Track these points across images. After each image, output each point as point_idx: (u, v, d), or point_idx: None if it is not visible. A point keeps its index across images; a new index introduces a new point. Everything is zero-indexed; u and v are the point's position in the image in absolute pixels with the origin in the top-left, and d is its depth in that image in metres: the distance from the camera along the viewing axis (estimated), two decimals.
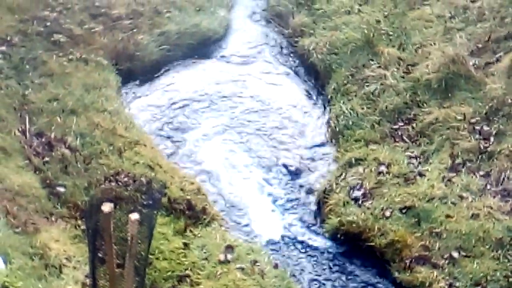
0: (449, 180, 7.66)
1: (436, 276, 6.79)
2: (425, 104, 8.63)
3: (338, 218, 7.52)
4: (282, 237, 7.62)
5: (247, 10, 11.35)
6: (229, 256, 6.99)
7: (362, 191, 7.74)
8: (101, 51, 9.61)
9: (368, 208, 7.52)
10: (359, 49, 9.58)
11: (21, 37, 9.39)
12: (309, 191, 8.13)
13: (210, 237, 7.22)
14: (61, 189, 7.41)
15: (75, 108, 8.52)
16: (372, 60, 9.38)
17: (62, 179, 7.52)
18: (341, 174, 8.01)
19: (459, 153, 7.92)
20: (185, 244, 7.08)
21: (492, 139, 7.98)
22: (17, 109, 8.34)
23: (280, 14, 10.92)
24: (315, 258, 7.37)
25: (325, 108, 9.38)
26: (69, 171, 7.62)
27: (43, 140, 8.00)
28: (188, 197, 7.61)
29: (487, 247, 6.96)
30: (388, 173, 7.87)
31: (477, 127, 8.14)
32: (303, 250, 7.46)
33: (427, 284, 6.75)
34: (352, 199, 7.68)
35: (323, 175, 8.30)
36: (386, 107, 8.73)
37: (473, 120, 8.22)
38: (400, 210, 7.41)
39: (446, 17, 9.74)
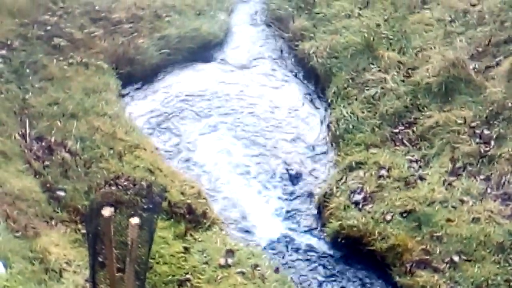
0: (450, 184, 7.65)
1: (437, 280, 6.79)
2: (425, 108, 8.63)
3: (339, 222, 7.51)
4: (283, 241, 7.61)
5: (247, 14, 11.35)
6: (230, 260, 6.98)
7: (362, 195, 7.73)
8: (101, 55, 9.61)
9: (369, 212, 7.51)
10: (359, 53, 9.58)
11: (21, 41, 9.40)
12: (310, 195, 8.13)
13: (210, 241, 7.21)
14: (61, 193, 7.41)
15: (75, 112, 8.52)
16: (373, 64, 9.38)
17: (62, 183, 7.52)
18: (342, 178, 8.01)
19: (460, 157, 7.92)
20: (186, 248, 7.08)
21: (492, 143, 7.98)
22: (17, 113, 8.34)
23: (280, 18, 10.92)
24: (315, 262, 7.37)
25: (325, 111, 9.38)
26: (69, 175, 7.62)
27: (43, 144, 8.00)
28: (189, 201, 7.60)
29: (488, 251, 6.95)
30: (388, 177, 7.87)
31: (478, 131, 8.14)
32: (303, 254, 7.45)
33: None
34: (353, 203, 7.68)
35: (324, 179, 8.30)
36: (387, 111, 8.73)
37: (473, 124, 8.22)
38: (401, 214, 7.41)
39: (446, 21, 9.74)
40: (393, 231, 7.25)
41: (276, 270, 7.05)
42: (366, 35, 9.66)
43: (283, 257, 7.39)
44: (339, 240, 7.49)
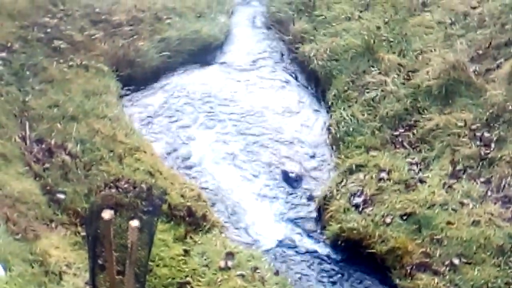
0: (450, 186, 7.65)
1: (437, 283, 6.78)
2: (425, 111, 8.62)
3: (339, 225, 7.51)
4: (283, 243, 7.60)
5: (247, 16, 11.36)
6: (230, 263, 6.98)
7: (362, 197, 7.73)
8: (101, 58, 9.62)
9: (369, 215, 7.51)
10: (359, 55, 9.58)
11: (21, 43, 9.40)
12: (310, 198, 8.12)
13: (210, 243, 7.21)
14: (61, 196, 7.40)
15: (75, 114, 8.52)
16: (373, 66, 9.38)
17: (62, 185, 7.52)
18: (342, 181, 8.00)
19: (460, 160, 7.92)
20: (186, 251, 7.07)
21: (492, 145, 7.98)
22: (17, 115, 8.34)
23: (281, 21, 10.92)
24: (315, 265, 7.36)
25: (325, 114, 9.37)
26: (69, 178, 7.62)
27: (43, 146, 8.00)
28: (189, 203, 7.60)
29: (488, 254, 6.95)
30: (388, 179, 7.86)
31: (478, 134, 8.14)
32: (303, 257, 7.45)
33: None
34: (353, 206, 7.67)
35: (324, 181, 8.29)
36: (387, 114, 8.73)
37: (473, 127, 8.22)
38: (401, 216, 7.40)
39: (447, 23, 9.74)
40: (393, 233, 7.25)
41: (276, 273, 7.05)
42: (366, 37, 9.67)
43: (283, 260, 7.39)
44: (339, 242, 7.48)
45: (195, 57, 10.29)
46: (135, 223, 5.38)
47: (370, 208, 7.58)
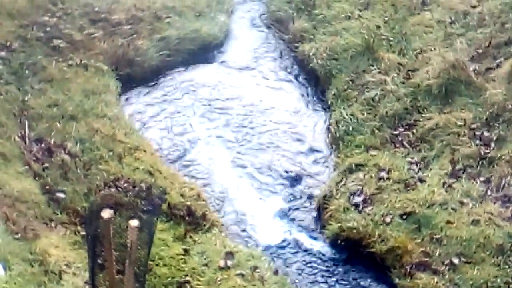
0: (450, 186, 7.65)
1: (437, 282, 6.78)
2: (425, 110, 8.62)
3: (338, 224, 7.51)
4: (282, 243, 7.60)
5: (247, 15, 11.35)
6: (229, 262, 6.98)
7: (362, 197, 7.73)
8: (101, 57, 9.61)
9: (369, 214, 7.51)
10: (359, 54, 9.58)
11: (21, 42, 9.39)
12: (309, 197, 8.12)
13: (210, 243, 7.21)
14: (61, 195, 7.40)
15: (75, 113, 8.52)
16: (372, 65, 9.37)
17: (61, 185, 7.51)
18: (341, 180, 8.00)
19: (460, 159, 7.91)
20: (185, 250, 7.07)
21: (492, 144, 7.98)
22: (16, 114, 8.34)
23: (280, 20, 10.91)
24: (315, 264, 7.36)
25: (325, 113, 9.37)
26: (69, 177, 7.61)
27: (43, 145, 7.99)
28: (188, 203, 7.60)
29: (487, 253, 6.95)
30: (388, 179, 7.86)
31: (478, 133, 8.14)
32: (303, 256, 7.45)
33: None
34: (353, 205, 7.67)
35: (323, 181, 8.29)
36: (387, 113, 8.73)
37: (473, 126, 8.21)
38: (401, 216, 7.40)
39: (447, 22, 9.74)
40: (392, 233, 7.25)
41: (276, 272, 7.05)
42: (366, 36, 9.66)
43: (282, 259, 7.38)
44: (339, 242, 7.48)
45: (195, 56, 10.28)
46: (134, 222, 5.38)
47: (370, 208, 7.58)
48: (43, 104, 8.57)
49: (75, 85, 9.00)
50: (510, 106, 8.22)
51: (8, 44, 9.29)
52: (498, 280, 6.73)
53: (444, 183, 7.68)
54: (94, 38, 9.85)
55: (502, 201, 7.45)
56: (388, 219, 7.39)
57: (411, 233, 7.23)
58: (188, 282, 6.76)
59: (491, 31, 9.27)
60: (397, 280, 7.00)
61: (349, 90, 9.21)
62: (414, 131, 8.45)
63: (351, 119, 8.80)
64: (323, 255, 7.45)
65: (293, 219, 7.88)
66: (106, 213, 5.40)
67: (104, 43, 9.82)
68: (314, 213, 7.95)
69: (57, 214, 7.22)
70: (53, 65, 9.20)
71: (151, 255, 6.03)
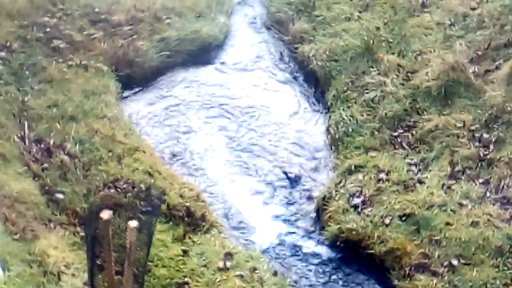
0: (449, 187, 7.65)
1: (436, 284, 6.78)
2: (425, 111, 8.62)
3: (338, 226, 7.51)
4: (282, 244, 7.60)
5: (247, 16, 11.35)
6: (228, 263, 6.98)
7: (361, 198, 7.73)
8: (101, 57, 9.61)
9: (368, 216, 7.51)
10: (359, 56, 9.58)
11: (20, 43, 9.40)
12: (309, 198, 8.12)
13: (209, 244, 7.21)
14: (60, 196, 7.40)
15: (74, 114, 8.52)
16: (372, 67, 9.38)
17: (61, 185, 7.51)
18: (341, 181, 8.00)
19: (459, 161, 7.92)
20: (184, 251, 7.07)
21: (491, 146, 7.98)
22: (16, 115, 8.34)
23: (280, 21, 10.92)
24: (314, 266, 7.36)
25: (325, 114, 9.37)
26: (68, 178, 7.61)
27: (42, 146, 7.99)
28: (187, 203, 7.60)
29: (486, 254, 6.95)
30: (387, 180, 7.86)
31: (477, 135, 8.14)
32: (302, 257, 7.45)
33: None
34: (352, 207, 7.67)
35: (323, 182, 8.29)
36: (386, 114, 8.73)
37: (472, 128, 8.22)
38: (400, 217, 7.40)
39: (446, 24, 9.74)
40: (392, 234, 7.25)
41: (275, 273, 7.05)
42: (365, 38, 9.67)
43: (281, 260, 7.39)
44: (338, 243, 7.48)
45: (195, 57, 10.28)
46: (134, 223, 5.38)
47: (369, 209, 7.58)
48: (42, 105, 8.57)
49: (75, 86, 9.00)
50: (509, 108, 8.23)
51: (8, 44, 9.30)
52: (497, 282, 6.73)
53: (443, 185, 7.68)
54: (94, 39, 9.85)
55: (501, 203, 7.46)
56: (387, 221, 7.39)
57: (410, 235, 7.23)
58: (187, 283, 6.76)
59: (491, 33, 9.27)
60: (396, 282, 7.00)
61: (349, 92, 9.22)
62: (414, 132, 8.46)
63: (350, 120, 8.81)
64: (322, 256, 7.45)
65: (292, 220, 7.88)
66: (105, 214, 5.41)
67: (104, 43, 9.83)
68: (313, 214, 7.95)
69: (56, 215, 7.22)
70: (53, 65, 9.21)
71: (150, 256, 6.03)
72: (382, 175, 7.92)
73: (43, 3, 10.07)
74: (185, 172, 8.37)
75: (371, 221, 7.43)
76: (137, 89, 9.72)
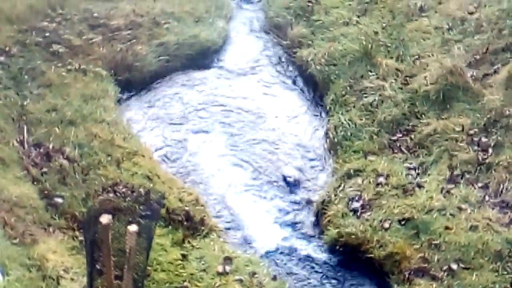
0: (448, 191, 7.66)
1: None
2: (423, 116, 8.64)
3: (337, 230, 7.51)
4: (281, 248, 7.60)
5: (245, 21, 11.37)
6: (228, 268, 6.97)
7: (360, 202, 7.73)
8: (99, 62, 9.62)
9: (367, 220, 7.51)
10: (357, 60, 9.60)
11: (19, 47, 9.40)
12: (308, 203, 8.12)
13: (208, 248, 7.21)
14: (59, 200, 7.40)
15: (73, 118, 8.53)
16: (371, 71, 9.39)
17: (60, 190, 7.51)
18: (340, 186, 8.01)
19: (458, 165, 7.93)
20: (183, 256, 7.07)
21: (490, 150, 7.99)
22: (15, 119, 8.34)
23: (279, 25, 10.93)
24: (313, 270, 7.36)
25: (323, 119, 9.38)
26: (67, 182, 7.61)
27: (41, 150, 7.99)
28: (187, 208, 7.60)
29: (486, 259, 6.95)
30: (386, 184, 7.87)
31: (476, 139, 8.15)
32: (301, 262, 7.44)
33: None
34: (351, 211, 7.67)
35: (322, 186, 8.30)
36: (385, 118, 8.74)
37: (471, 132, 8.23)
38: (399, 221, 7.41)
39: (444, 28, 9.76)
40: (391, 238, 7.25)
41: (274, 278, 7.04)
42: (364, 42, 9.68)
43: (281, 265, 7.38)
44: (337, 247, 7.48)
45: (193, 61, 10.29)
46: (133, 227, 5.39)
47: (368, 213, 7.59)
48: (42, 109, 8.57)
49: (74, 90, 9.01)
50: (507, 112, 8.24)
51: (7, 49, 9.31)
52: (497, 286, 6.73)
53: (442, 189, 7.69)
54: (93, 43, 9.86)
55: (500, 207, 7.46)
56: (386, 225, 7.39)
57: (409, 239, 7.23)
58: (186, 287, 6.75)
59: (489, 37, 9.29)
60: (395, 286, 7.00)
61: (347, 96, 9.23)
62: (412, 136, 8.47)
63: (349, 125, 8.81)
64: (322, 260, 7.45)
65: (291, 225, 7.88)
66: (105, 218, 5.41)
67: (103, 48, 9.84)
68: (313, 219, 7.95)
69: (55, 219, 7.22)
70: (52, 70, 9.22)
71: (149, 260, 6.03)
72: (381, 179, 7.93)
73: (42, 8, 10.09)
74: (184, 176, 8.36)
75: (370, 225, 7.43)
76: (136, 94, 9.73)
